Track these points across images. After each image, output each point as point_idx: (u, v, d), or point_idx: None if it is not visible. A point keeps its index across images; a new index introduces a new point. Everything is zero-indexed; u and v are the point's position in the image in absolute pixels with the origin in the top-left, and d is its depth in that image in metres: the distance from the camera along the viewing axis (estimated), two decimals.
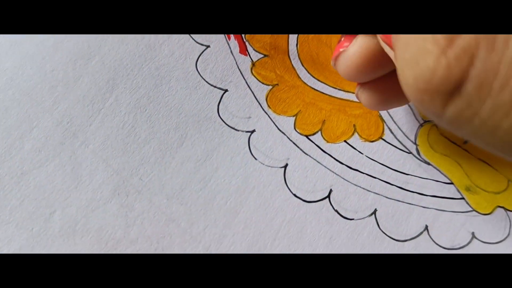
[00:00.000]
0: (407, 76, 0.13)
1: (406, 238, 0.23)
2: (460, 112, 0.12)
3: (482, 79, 0.11)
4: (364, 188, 0.23)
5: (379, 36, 0.16)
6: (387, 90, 0.19)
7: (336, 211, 0.23)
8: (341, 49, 0.18)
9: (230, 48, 0.23)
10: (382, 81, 0.18)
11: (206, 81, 0.23)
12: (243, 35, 0.23)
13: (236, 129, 0.23)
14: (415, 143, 0.24)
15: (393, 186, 0.23)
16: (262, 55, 0.23)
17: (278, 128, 0.23)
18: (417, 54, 0.12)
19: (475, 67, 0.11)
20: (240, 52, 0.23)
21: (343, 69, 0.18)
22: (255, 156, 0.23)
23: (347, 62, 0.17)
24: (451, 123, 0.13)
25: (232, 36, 0.23)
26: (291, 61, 0.24)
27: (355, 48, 0.17)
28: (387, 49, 0.15)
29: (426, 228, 0.23)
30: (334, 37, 0.24)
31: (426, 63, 0.12)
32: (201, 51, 0.23)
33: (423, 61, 0.12)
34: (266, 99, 0.23)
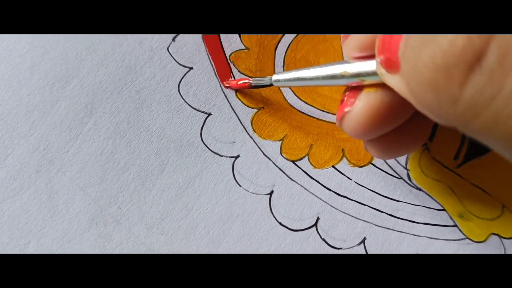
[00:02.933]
0: (423, 56, 0.12)
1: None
2: (480, 91, 0.11)
3: (505, 49, 0.11)
4: (352, 216, 0.22)
5: (380, 68, 0.15)
6: (395, 142, 0.18)
7: (324, 240, 0.22)
8: (345, 109, 0.17)
9: (214, 70, 0.22)
10: (390, 135, 0.18)
11: (189, 105, 0.22)
12: (227, 57, 0.23)
13: (219, 155, 0.22)
14: (406, 168, 0.23)
15: (383, 214, 0.22)
16: (247, 77, 0.23)
17: (264, 153, 0.22)
18: (434, 34, 0.12)
19: (496, 37, 0.11)
20: (222, 80, 0.22)
21: (350, 129, 0.17)
22: (240, 183, 0.22)
23: (354, 123, 0.17)
24: (469, 108, 0.12)
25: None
26: None
27: (359, 108, 0.16)
28: (387, 78, 0.15)
29: None
30: (322, 58, 0.23)
31: (444, 37, 0.11)
32: (183, 73, 0.22)
33: (442, 36, 0.11)
34: (251, 123, 0.22)
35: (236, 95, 0.22)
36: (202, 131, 0.22)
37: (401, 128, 0.17)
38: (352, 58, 0.17)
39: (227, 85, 0.22)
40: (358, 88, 0.17)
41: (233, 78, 0.22)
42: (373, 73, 0.16)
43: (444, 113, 0.12)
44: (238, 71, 0.23)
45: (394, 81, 0.14)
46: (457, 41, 0.11)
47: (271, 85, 0.20)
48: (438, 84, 0.12)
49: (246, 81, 0.21)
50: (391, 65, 0.14)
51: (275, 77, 0.20)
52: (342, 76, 0.17)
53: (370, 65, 0.16)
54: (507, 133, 0.11)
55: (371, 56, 0.16)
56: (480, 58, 0.11)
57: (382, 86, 0.16)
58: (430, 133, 0.21)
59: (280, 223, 0.22)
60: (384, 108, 0.16)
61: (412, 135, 0.18)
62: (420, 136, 0.18)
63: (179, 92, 0.22)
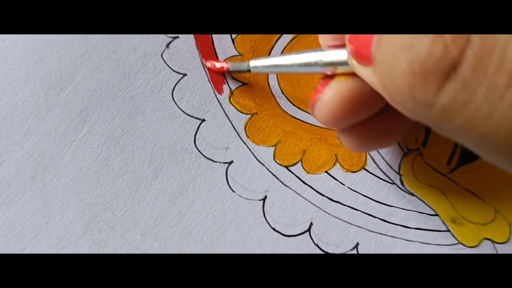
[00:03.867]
0: (400, 61, 0.12)
1: None
2: (454, 97, 0.12)
3: (478, 59, 0.11)
4: (345, 221, 0.22)
5: (350, 59, 0.15)
6: (367, 134, 0.18)
7: (317, 245, 0.22)
8: (316, 97, 0.17)
9: (207, 76, 0.23)
10: (362, 126, 0.18)
11: (183, 111, 0.22)
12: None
13: (213, 160, 0.22)
14: (399, 173, 0.23)
15: (376, 219, 0.22)
16: (240, 83, 0.23)
17: (257, 159, 0.22)
18: (412, 38, 0.12)
19: (471, 48, 0.11)
20: (215, 86, 0.22)
21: (320, 116, 0.17)
22: (233, 189, 0.22)
23: (323, 110, 0.17)
24: (443, 112, 0.12)
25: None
26: (270, 89, 0.23)
27: (329, 95, 0.17)
28: (358, 69, 0.15)
29: None
30: None
31: (422, 45, 0.12)
32: (177, 80, 0.22)
33: (419, 43, 0.12)
34: (245, 129, 0.23)
35: (230, 101, 0.23)
36: (196, 137, 0.22)
37: (372, 120, 0.18)
38: (327, 46, 0.17)
39: (208, 66, 0.22)
40: (331, 77, 0.17)
41: (212, 62, 0.22)
42: (346, 63, 0.16)
43: (419, 114, 0.13)
44: (232, 77, 0.23)
45: (366, 73, 0.15)
46: (435, 49, 0.12)
47: (249, 70, 0.20)
48: (414, 89, 0.12)
49: (225, 65, 0.21)
50: (362, 57, 0.14)
51: (252, 63, 0.20)
52: (316, 64, 0.17)
53: (343, 54, 0.16)
54: (478, 136, 0.12)
55: (344, 45, 0.16)
56: (455, 67, 0.12)
57: (354, 75, 0.16)
58: (404, 128, 0.21)
59: (274, 229, 0.22)
60: (354, 97, 0.16)
61: (383, 128, 0.18)
62: (392, 130, 0.19)
63: (173, 99, 0.22)
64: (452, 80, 0.12)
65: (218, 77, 0.23)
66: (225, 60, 0.22)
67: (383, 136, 0.18)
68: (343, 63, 0.16)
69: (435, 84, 0.12)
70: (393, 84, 0.13)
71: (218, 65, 0.22)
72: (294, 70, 0.18)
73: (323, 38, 0.17)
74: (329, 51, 0.17)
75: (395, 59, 0.12)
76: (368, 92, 0.16)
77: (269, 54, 0.23)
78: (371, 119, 0.18)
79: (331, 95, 0.17)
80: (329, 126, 0.18)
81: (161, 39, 0.22)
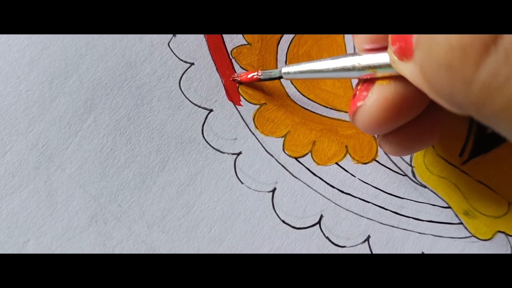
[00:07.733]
0: (437, 39, 0.11)
1: None
2: (495, 71, 0.11)
3: None
4: (356, 213, 0.22)
5: (392, 56, 0.14)
6: (409, 137, 0.18)
7: (327, 238, 0.21)
8: (358, 103, 0.17)
9: (215, 65, 0.22)
10: (404, 130, 0.17)
11: (190, 101, 0.22)
12: (229, 52, 0.22)
13: (221, 151, 0.22)
14: (410, 165, 0.23)
15: (388, 211, 0.22)
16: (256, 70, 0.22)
17: (266, 150, 0.22)
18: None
19: None
20: (222, 75, 0.22)
21: (364, 123, 0.17)
22: (242, 180, 0.22)
23: (367, 117, 0.16)
24: (483, 90, 0.11)
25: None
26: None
27: (372, 101, 0.16)
28: (399, 65, 0.14)
29: None
30: (325, 53, 0.23)
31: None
32: (184, 69, 0.22)
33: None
34: (254, 119, 0.22)
35: (238, 90, 0.22)
36: (204, 127, 0.22)
37: (415, 122, 0.17)
38: (363, 50, 0.16)
39: (237, 79, 0.22)
40: (370, 82, 0.17)
41: (238, 73, 0.22)
42: (385, 65, 0.16)
43: (458, 96, 0.12)
44: (240, 66, 0.22)
45: (406, 68, 0.14)
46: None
47: (280, 77, 0.20)
48: (452, 64, 0.11)
49: (255, 74, 0.21)
50: (405, 52, 0.13)
51: (285, 69, 0.19)
52: (353, 68, 0.16)
53: (382, 57, 0.16)
54: None
55: (382, 48, 0.16)
56: (496, 38, 0.11)
57: (395, 78, 0.16)
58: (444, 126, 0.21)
59: (283, 221, 0.21)
60: (398, 100, 0.16)
61: (426, 130, 0.18)
62: (434, 130, 0.18)
63: (180, 88, 0.22)
64: (492, 53, 0.11)
65: (226, 67, 0.22)
66: (255, 70, 0.21)
67: (424, 138, 0.18)
68: (382, 66, 0.16)
69: (475, 57, 0.11)
70: (430, 65, 0.12)
71: (249, 75, 0.21)
72: (329, 76, 0.18)
73: (359, 43, 0.16)
74: (367, 55, 0.16)
75: (433, 38, 0.12)
76: (411, 94, 0.16)
77: (278, 44, 0.23)
78: (412, 122, 0.17)
79: (375, 101, 0.16)
80: (372, 133, 0.17)
81: None
